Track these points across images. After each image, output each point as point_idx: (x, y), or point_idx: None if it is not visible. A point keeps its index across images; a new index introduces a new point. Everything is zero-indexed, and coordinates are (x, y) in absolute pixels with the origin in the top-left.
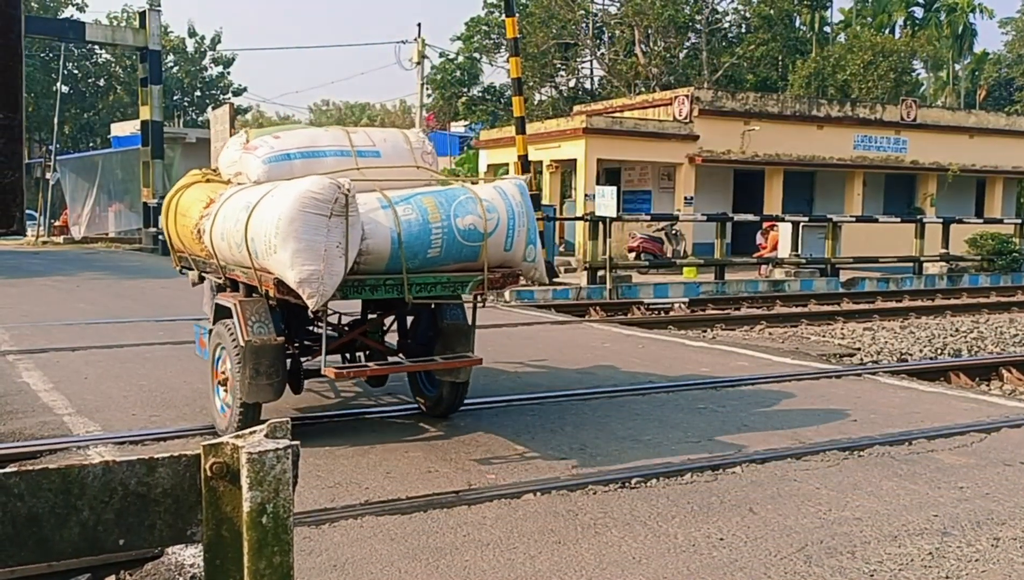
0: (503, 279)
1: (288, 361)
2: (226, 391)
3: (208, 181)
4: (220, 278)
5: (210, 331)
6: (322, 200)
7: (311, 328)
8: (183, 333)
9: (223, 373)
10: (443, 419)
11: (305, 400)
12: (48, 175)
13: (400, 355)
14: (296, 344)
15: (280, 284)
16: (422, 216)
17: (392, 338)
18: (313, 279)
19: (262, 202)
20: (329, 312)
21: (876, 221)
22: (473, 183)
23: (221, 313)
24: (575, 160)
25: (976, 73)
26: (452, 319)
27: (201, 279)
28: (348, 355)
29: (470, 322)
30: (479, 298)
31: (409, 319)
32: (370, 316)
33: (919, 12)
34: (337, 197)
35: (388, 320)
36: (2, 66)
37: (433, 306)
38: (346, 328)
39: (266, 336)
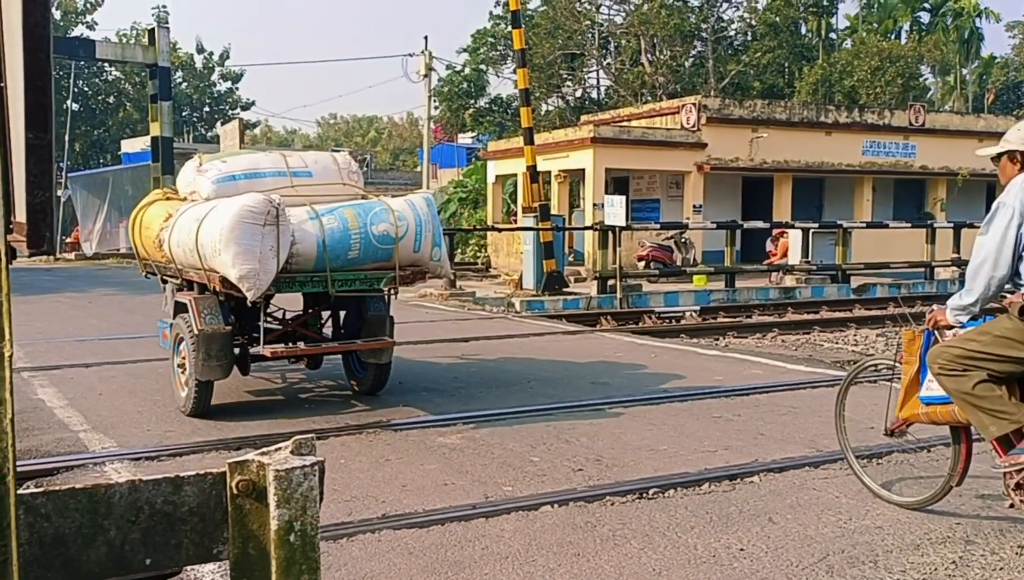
0: (413, 276)
1: (237, 349)
2: (184, 373)
3: (168, 199)
4: (178, 280)
5: (171, 325)
6: (257, 212)
7: (259, 323)
8: None
9: (182, 358)
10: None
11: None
12: (59, 192)
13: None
14: (245, 335)
15: (224, 281)
16: (343, 225)
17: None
18: (251, 276)
19: (209, 215)
20: (274, 307)
21: (886, 227)
22: (412, 191)
23: (179, 309)
24: (583, 170)
25: (984, 77)
26: (375, 311)
27: (164, 282)
28: (291, 344)
29: (390, 314)
30: (392, 291)
31: (342, 314)
32: (309, 311)
33: (925, 17)
34: (269, 210)
35: (325, 315)
36: (32, 86)
37: (365, 300)
38: (290, 321)
39: (216, 326)
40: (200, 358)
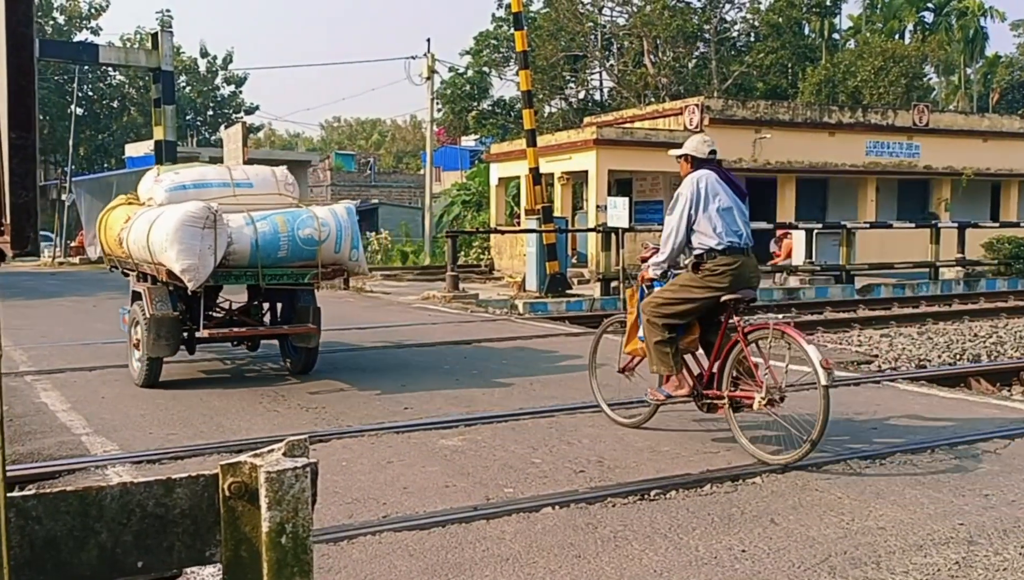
0: (334, 273)
1: (186, 333)
2: (138, 351)
3: (130, 204)
4: (135, 272)
5: (129, 311)
6: (197, 217)
7: (201, 310)
8: (199, 352)
9: (136, 339)
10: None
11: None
12: (64, 196)
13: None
14: (193, 321)
15: (170, 273)
16: (274, 229)
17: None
18: (191, 269)
19: (159, 218)
20: (223, 299)
21: (890, 227)
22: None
23: (135, 297)
24: (586, 171)
25: (988, 76)
26: (304, 303)
27: (125, 274)
28: (234, 330)
29: (317, 306)
30: (317, 286)
31: (279, 305)
32: (253, 302)
33: (929, 17)
34: (208, 216)
35: (267, 306)
36: (15, 86)
37: (296, 293)
38: (235, 310)
39: (165, 311)
40: (151, 338)
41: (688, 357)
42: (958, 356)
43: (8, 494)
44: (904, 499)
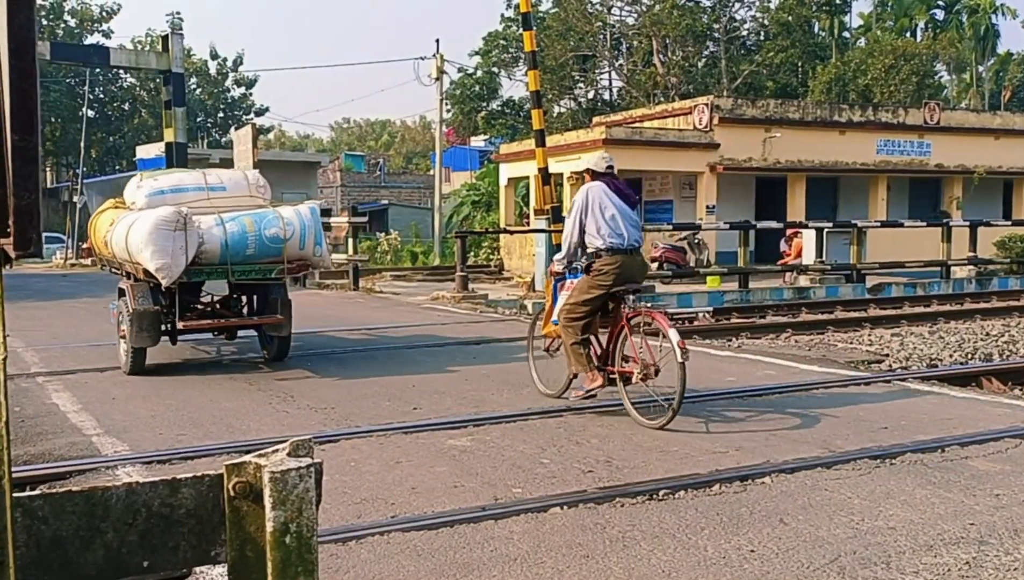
0: (299, 267)
1: (168, 325)
2: (125, 342)
3: (116, 208)
4: (120, 271)
5: (117, 306)
6: (169, 221)
7: (194, 306)
8: (215, 353)
9: (122, 330)
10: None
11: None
12: (75, 198)
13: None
14: (174, 314)
15: (146, 271)
16: (242, 229)
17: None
18: (164, 267)
19: (136, 221)
20: (205, 293)
21: (901, 225)
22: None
23: (121, 293)
24: None
25: (1000, 74)
26: (275, 296)
27: (115, 274)
28: (209, 320)
29: (288, 299)
30: (287, 280)
31: (255, 299)
32: (232, 296)
33: (940, 14)
34: (179, 219)
35: (244, 301)
36: (17, 88)
37: (269, 287)
38: (217, 304)
39: (147, 306)
40: (134, 330)
41: (592, 338)
42: (970, 355)
43: (15, 494)
44: (914, 499)
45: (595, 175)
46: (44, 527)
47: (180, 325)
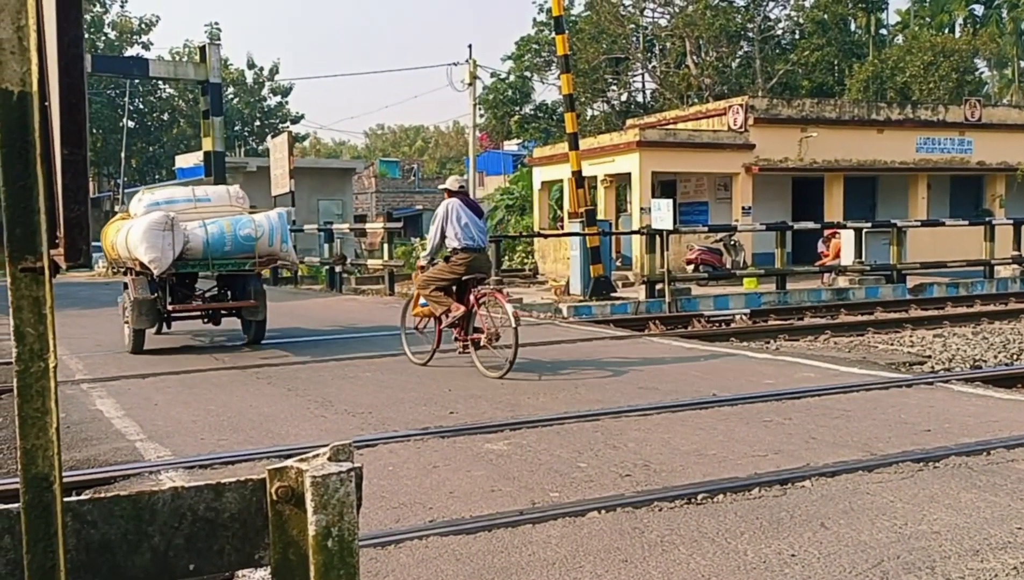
0: (268, 261)
1: (163, 312)
2: (128, 325)
3: (123, 219)
4: (123, 269)
5: (122, 297)
6: (159, 222)
7: (187, 296)
8: (248, 358)
9: (125, 317)
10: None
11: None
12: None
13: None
14: (170, 303)
15: (142, 264)
16: (221, 230)
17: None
18: (155, 260)
19: (134, 225)
20: (197, 289)
21: (942, 225)
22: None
23: (125, 287)
24: (629, 174)
25: None
26: (251, 286)
27: (125, 274)
28: (194, 304)
29: (263, 289)
30: (259, 273)
31: (235, 290)
32: (220, 288)
33: (979, 10)
34: (166, 222)
35: (230, 293)
36: (66, 103)
37: (247, 280)
38: (206, 294)
39: (144, 295)
40: (135, 315)
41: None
42: (1015, 356)
43: (65, 498)
44: (959, 503)
45: (452, 193)
46: (93, 531)
47: (170, 308)
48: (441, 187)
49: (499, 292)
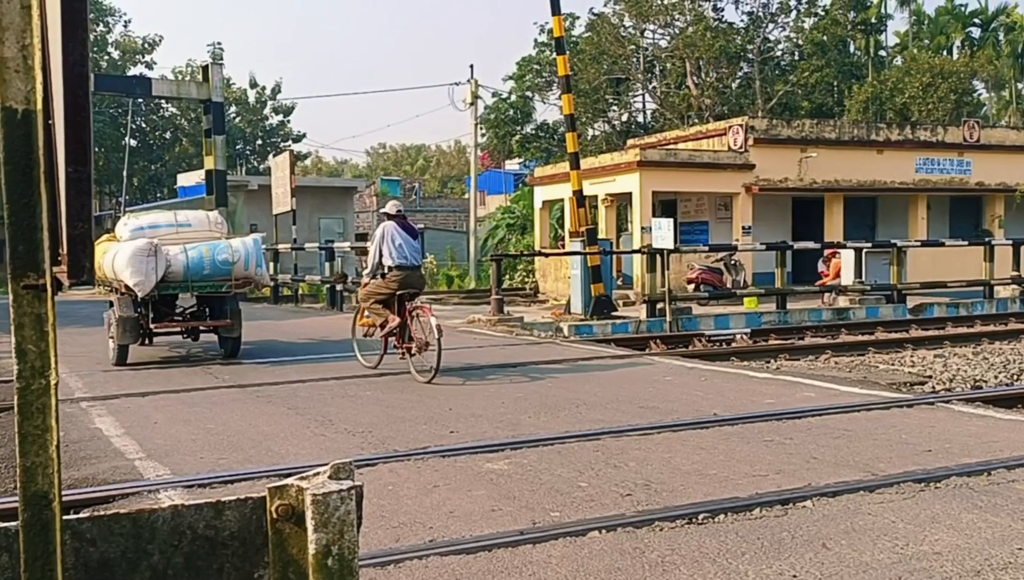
0: (244, 283)
1: (145, 329)
2: (112, 341)
3: (110, 241)
4: (109, 288)
5: (107, 314)
6: (143, 249)
7: (169, 314)
8: (248, 376)
9: (110, 332)
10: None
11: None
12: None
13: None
14: (155, 322)
15: (127, 285)
16: (200, 255)
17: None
18: (139, 283)
19: (120, 250)
20: (179, 306)
21: (942, 245)
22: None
23: (111, 304)
24: (630, 193)
25: None
26: (228, 306)
27: (111, 292)
28: (174, 323)
29: (238, 309)
30: (235, 292)
31: (213, 309)
32: (201, 307)
33: (976, 32)
34: (150, 248)
35: (207, 310)
36: (72, 121)
37: (225, 300)
38: (187, 312)
39: (129, 313)
40: (120, 331)
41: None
42: (1015, 377)
43: (63, 516)
44: (960, 523)
45: (390, 217)
46: (92, 549)
47: (153, 327)
48: (381, 211)
49: (427, 306)
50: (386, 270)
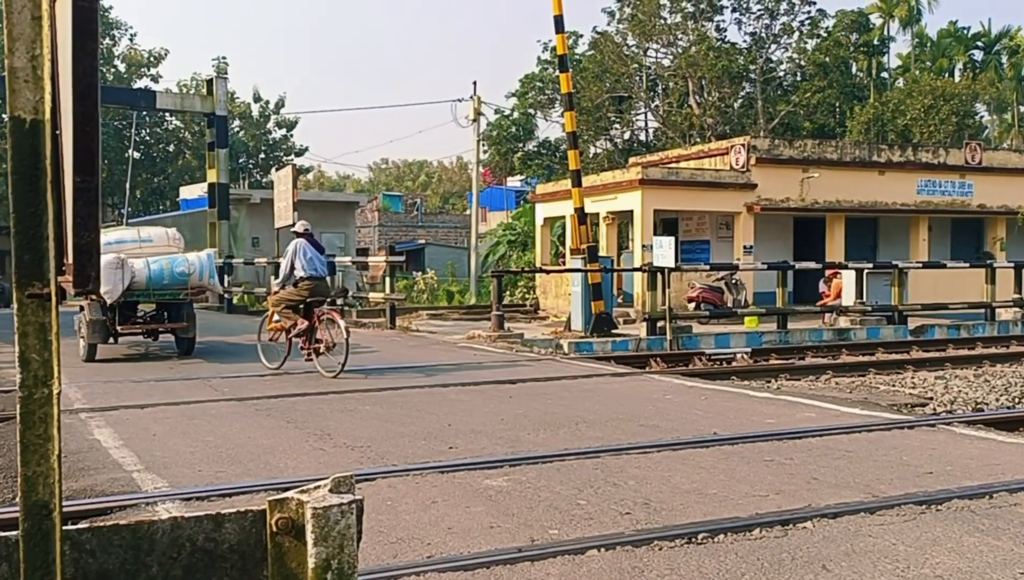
0: (199, 292)
1: (111, 330)
2: (83, 340)
3: None
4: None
5: (78, 317)
6: (112, 263)
7: (133, 317)
8: (248, 389)
9: (81, 333)
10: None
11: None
12: None
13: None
14: (118, 323)
15: (97, 294)
16: (160, 267)
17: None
18: (108, 292)
19: None
20: (142, 311)
21: (944, 266)
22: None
23: (81, 309)
24: (632, 211)
25: None
26: (184, 310)
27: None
28: (136, 325)
29: (193, 313)
30: (191, 299)
31: (171, 313)
32: (160, 311)
33: (979, 55)
34: (119, 262)
35: (166, 314)
36: (80, 131)
37: (181, 305)
38: (148, 316)
39: (97, 317)
40: (89, 332)
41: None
42: (1017, 399)
43: (63, 527)
44: (962, 547)
45: (300, 235)
46: (91, 560)
47: (119, 328)
48: (292, 230)
49: (336, 311)
50: (297, 280)
